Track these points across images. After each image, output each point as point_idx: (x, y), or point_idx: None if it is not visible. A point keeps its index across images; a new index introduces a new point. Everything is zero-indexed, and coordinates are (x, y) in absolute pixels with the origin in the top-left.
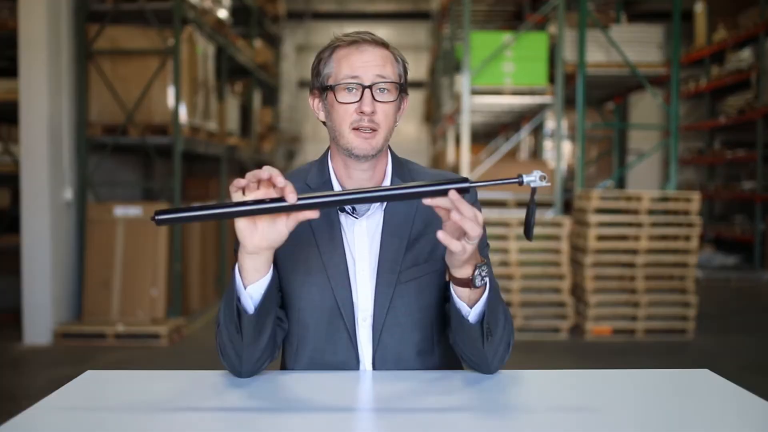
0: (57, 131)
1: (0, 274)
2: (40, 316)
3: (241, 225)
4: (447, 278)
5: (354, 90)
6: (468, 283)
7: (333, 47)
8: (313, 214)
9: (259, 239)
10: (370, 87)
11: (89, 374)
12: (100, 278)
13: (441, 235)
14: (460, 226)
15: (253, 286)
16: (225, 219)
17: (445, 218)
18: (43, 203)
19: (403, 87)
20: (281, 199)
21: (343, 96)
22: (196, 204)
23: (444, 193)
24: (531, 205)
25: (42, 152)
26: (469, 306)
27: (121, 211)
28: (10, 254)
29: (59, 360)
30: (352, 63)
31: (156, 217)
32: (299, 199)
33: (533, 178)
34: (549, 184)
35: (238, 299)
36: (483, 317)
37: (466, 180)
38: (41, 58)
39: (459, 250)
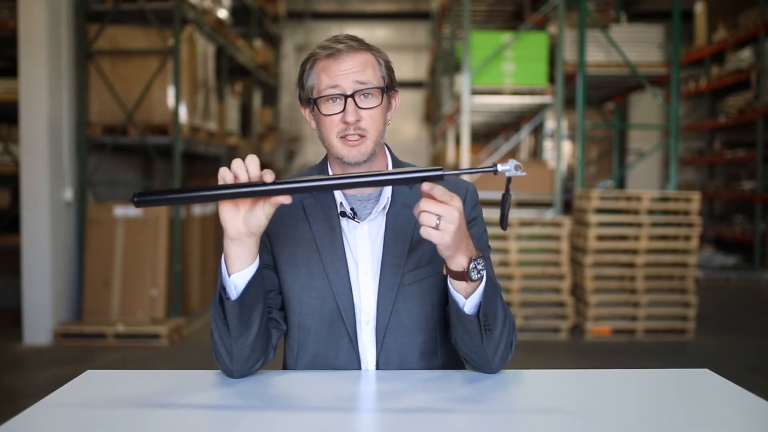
0: (57, 131)
1: (0, 274)
2: (40, 316)
3: (225, 211)
4: (444, 272)
5: (337, 100)
6: (464, 276)
7: (314, 59)
8: (286, 199)
9: (240, 224)
10: (352, 96)
11: (89, 374)
12: (100, 278)
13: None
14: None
15: (237, 274)
16: (203, 202)
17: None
18: (43, 203)
19: (388, 87)
20: (257, 184)
21: (326, 108)
22: (176, 188)
23: (418, 180)
24: (506, 194)
25: (42, 152)
26: (465, 297)
27: (121, 211)
28: (10, 254)
29: (59, 360)
30: (331, 73)
31: (135, 199)
32: (274, 183)
33: (508, 167)
34: (524, 173)
35: (222, 287)
36: (479, 309)
37: (440, 169)
38: (41, 58)
39: (425, 235)
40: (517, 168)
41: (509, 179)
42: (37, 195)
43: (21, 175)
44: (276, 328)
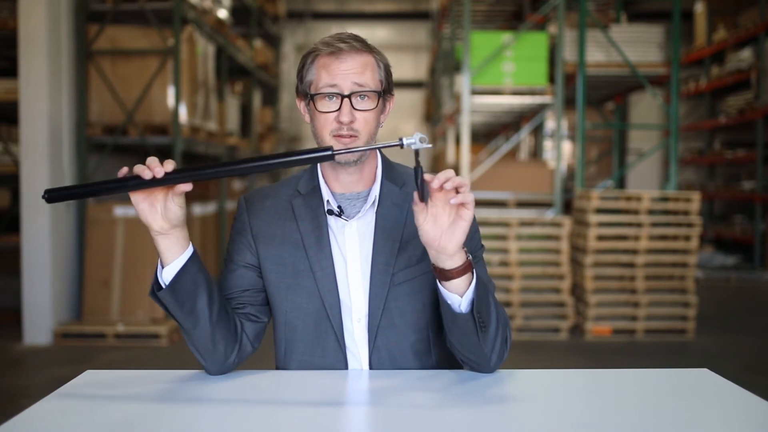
0: (57, 131)
1: (0, 274)
2: (40, 316)
3: (143, 211)
4: (439, 277)
5: (333, 99)
6: (468, 267)
7: (315, 54)
8: (187, 187)
9: (160, 218)
10: (348, 96)
11: (89, 374)
12: (100, 278)
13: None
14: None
15: (170, 266)
16: (110, 194)
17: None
18: (43, 203)
19: (385, 92)
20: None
21: (322, 105)
22: (87, 182)
23: (309, 161)
24: (417, 167)
25: (42, 152)
26: (461, 296)
27: (121, 211)
28: (10, 254)
29: (59, 360)
30: (331, 72)
31: (45, 196)
32: (175, 172)
33: (413, 141)
34: (430, 145)
35: (156, 279)
36: (473, 306)
37: (330, 148)
38: (41, 58)
39: (469, 218)
40: (422, 140)
41: (417, 152)
42: (37, 195)
43: (21, 175)
44: (253, 321)
